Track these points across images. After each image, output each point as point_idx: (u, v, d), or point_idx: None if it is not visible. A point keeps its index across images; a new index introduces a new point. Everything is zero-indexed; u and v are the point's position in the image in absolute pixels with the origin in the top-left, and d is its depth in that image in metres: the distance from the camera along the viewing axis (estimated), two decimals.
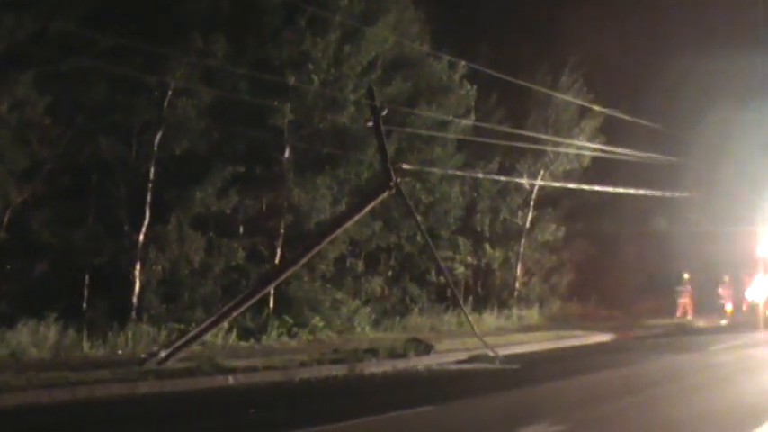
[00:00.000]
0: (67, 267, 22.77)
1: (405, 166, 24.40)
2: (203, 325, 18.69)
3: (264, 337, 23.96)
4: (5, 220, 20.91)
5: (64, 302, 21.83)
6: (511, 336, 26.87)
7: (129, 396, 14.86)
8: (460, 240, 31.74)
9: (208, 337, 22.54)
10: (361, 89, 26.19)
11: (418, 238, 30.50)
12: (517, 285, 34.33)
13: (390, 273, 30.89)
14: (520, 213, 34.34)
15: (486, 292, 33.83)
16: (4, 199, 20.95)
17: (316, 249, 21.92)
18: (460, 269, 31.47)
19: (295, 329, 25.05)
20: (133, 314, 23.12)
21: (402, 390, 17.00)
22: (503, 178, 31.42)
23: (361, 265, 29.40)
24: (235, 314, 19.42)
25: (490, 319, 31.19)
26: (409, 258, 31.03)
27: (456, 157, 30.33)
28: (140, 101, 23.29)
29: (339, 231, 21.61)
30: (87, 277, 23.19)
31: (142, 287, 23.59)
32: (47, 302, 21.41)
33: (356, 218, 21.82)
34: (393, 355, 20.46)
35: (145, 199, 23.58)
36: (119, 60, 22.07)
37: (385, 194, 21.66)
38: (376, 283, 29.37)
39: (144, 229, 23.52)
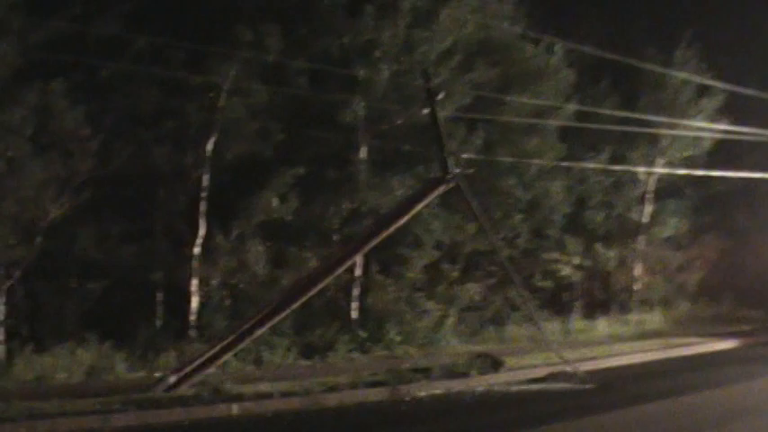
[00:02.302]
0: (117, 285, 21.45)
1: (464, 155, 21.83)
2: (218, 346, 16.79)
3: (331, 354, 21.90)
4: (40, 237, 19.65)
5: (112, 322, 20.64)
6: (614, 345, 23.82)
7: (100, 429, 13.12)
8: (568, 240, 28.69)
9: (267, 355, 20.99)
10: (436, 78, 23.81)
11: (519, 240, 27.91)
12: (636, 287, 30.87)
13: (492, 279, 28.19)
14: (636, 208, 30.84)
15: (602, 295, 30.57)
16: (44, 213, 19.74)
17: (357, 255, 19.62)
18: (565, 271, 28.40)
19: (368, 344, 22.87)
20: (192, 333, 21.70)
21: (432, 420, 14.53)
22: (613, 167, 28.16)
23: (456, 272, 26.88)
24: (260, 332, 17.40)
25: (603, 325, 28.02)
26: (511, 262, 28.24)
27: (558, 147, 27.31)
28: (189, 104, 21.74)
29: (385, 234, 19.19)
30: (140, 295, 21.83)
31: (200, 303, 22.08)
32: (93, 322, 20.32)
33: (406, 217, 19.37)
34: (451, 374, 17.96)
35: (199, 209, 22.05)
36: (162, 63, 20.79)
37: (441, 188, 19.19)
38: (473, 291, 26.76)
39: (200, 241, 21.98)
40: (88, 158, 20.14)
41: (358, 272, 24.73)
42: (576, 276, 29.08)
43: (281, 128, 22.89)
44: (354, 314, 24.16)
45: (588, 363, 19.56)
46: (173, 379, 15.63)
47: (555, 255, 28.14)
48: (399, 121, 24.61)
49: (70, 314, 20.51)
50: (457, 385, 17.48)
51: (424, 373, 17.77)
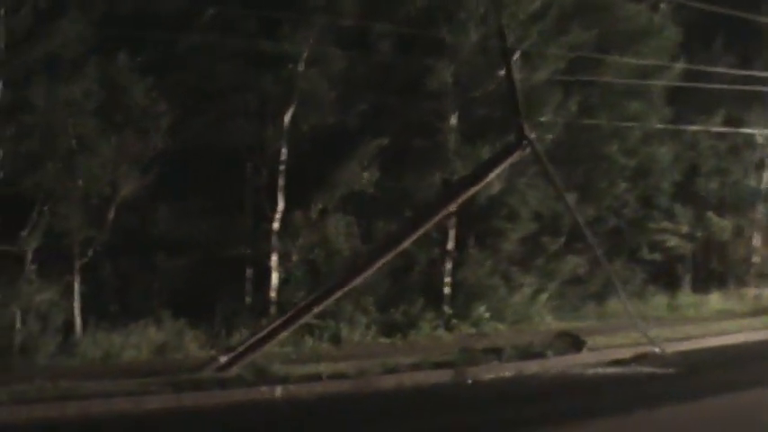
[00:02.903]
0: (198, 261, 21.15)
1: (543, 119, 20.40)
2: (271, 326, 16.11)
3: (414, 332, 21.01)
4: (113, 214, 19.48)
5: (191, 300, 20.36)
6: (722, 323, 22.03)
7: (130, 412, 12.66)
8: (678, 209, 26.75)
9: (346, 333, 20.32)
10: (526, 40, 22.49)
11: (626, 210, 26.24)
12: (754, 259, 28.57)
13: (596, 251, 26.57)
14: (754, 174, 28.49)
15: (716, 268, 28.43)
16: (116, 190, 19.55)
17: (420, 231, 18.49)
18: (673, 242, 26.51)
19: (455, 322, 21.85)
20: (273, 309, 21.20)
21: (487, 407, 13.45)
22: (727, 130, 26.02)
23: (557, 245, 25.47)
24: (316, 310, 16.59)
25: (715, 300, 26.09)
26: (617, 234, 26.65)
27: (663, 111, 25.42)
28: (265, 75, 21.10)
29: (451, 206, 18.03)
30: (220, 272, 21.43)
31: (281, 279, 21.55)
32: (171, 300, 20.11)
33: (479, 186, 18.16)
34: (526, 354, 16.78)
35: (277, 183, 21.47)
36: (235, 33, 20.28)
37: (516, 155, 17.91)
38: (573, 264, 25.28)
39: (279, 216, 21.42)
40: (161, 134, 19.83)
41: (450, 245, 23.76)
42: (687, 248, 27.13)
43: (364, 97, 22.04)
44: (447, 290, 23.22)
45: (685, 342, 18.07)
46: (224, 359, 15.07)
47: (663, 224, 26.24)
48: (490, 87, 23.35)
49: (148, 292, 20.31)
50: (530, 367, 16.34)
51: (497, 353, 16.62)
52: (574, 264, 25.58)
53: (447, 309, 21.83)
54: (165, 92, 19.79)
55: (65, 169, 18.55)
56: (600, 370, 16.37)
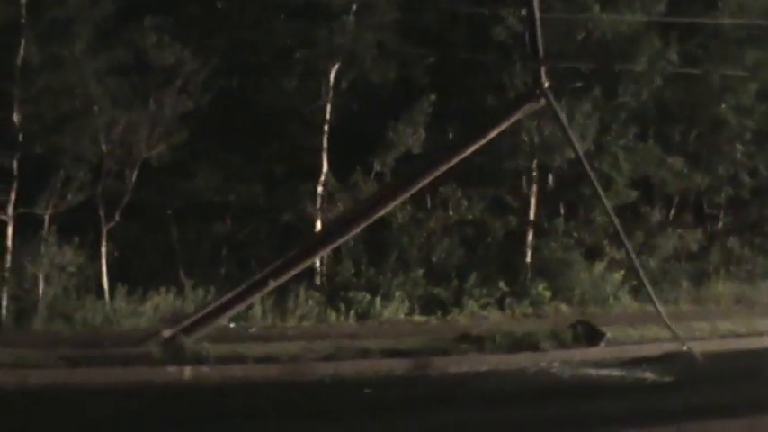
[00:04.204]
0: (242, 227, 20.35)
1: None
2: (223, 299, 14.82)
3: (457, 310, 19.17)
4: (134, 177, 18.89)
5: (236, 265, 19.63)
6: None
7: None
8: None
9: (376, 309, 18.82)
10: None
11: (743, 177, 22.78)
12: None
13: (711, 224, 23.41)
14: None
15: None
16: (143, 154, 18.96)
17: (403, 196, 16.37)
18: None
19: (509, 300, 19.77)
20: (318, 280, 20.07)
21: (405, 411, 11.52)
22: None
23: (658, 215, 22.61)
24: (275, 284, 15.11)
25: None
26: (735, 206, 23.25)
27: None
28: (309, 29, 19.80)
29: (443, 167, 15.81)
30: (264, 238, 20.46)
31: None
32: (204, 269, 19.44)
33: (476, 145, 15.84)
34: (519, 345, 14.61)
35: (321, 144, 20.20)
36: None
37: (528, 106, 15.54)
38: (675, 238, 22.30)
39: (323, 179, 20.17)
40: (196, 94, 19.08)
41: (532, 215, 21.63)
42: None
43: (423, 51, 20.31)
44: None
45: (734, 341, 15.03)
46: (167, 333, 14.09)
47: None
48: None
49: (175, 258, 19.69)
50: (515, 361, 14.14)
51: (478, 342, 14.55)
52: (679, 238, 22.54)
53: (503, 285, 19.63)
54: (202, 50, 18.97)
55: (84, 131, 18.08)
56: (598, 370, 13.79)
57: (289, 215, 20.11)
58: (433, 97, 19.74)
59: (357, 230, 15.57)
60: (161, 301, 17.60)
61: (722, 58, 21.46)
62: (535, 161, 21.32)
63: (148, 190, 18.80)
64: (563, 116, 15.60)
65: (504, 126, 15.71)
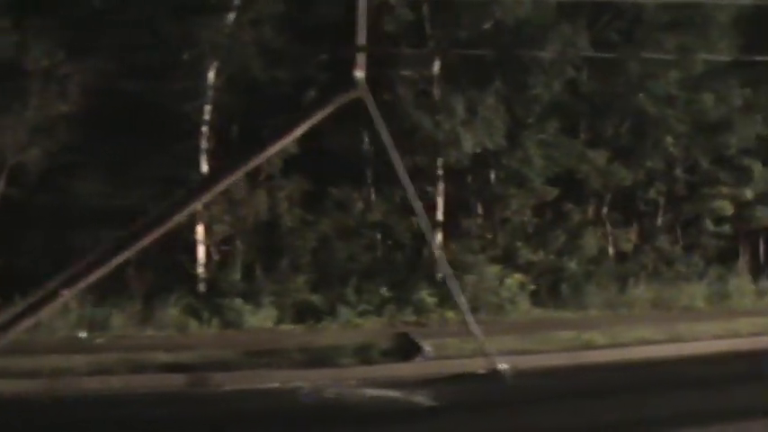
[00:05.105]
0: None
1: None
2: (11, 312, 14.00)
3: (330, 319, 18.14)
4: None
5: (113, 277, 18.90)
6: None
7: None
8: (759, 170, 20.98)
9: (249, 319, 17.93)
10: None
11: (677, 172, 21.06)
12: None
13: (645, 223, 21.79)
14: None
15: None
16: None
17: (201, 199, 15.17)
18: (728, 210, 20.87)
19: (390, 307, 18.62)
20: (201, 287, 19.30)
21: None
22: None
23: (580, 213, 21.16)
24: (68, 294, 14.17)
25: None
26: (672, 203, 21.56)
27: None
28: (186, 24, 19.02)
29: (245, 169, 14.59)
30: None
31: (208, 255, 19.54)
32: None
33: (276, 147, 14.60)
34: (316, 362, 13.51)
35: (200, 145, 19.41)
36: None
37: (340, 97, 14.16)
38: (598, 237, 20.80)
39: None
40: (71, 97, 18.57)
41: (439, 215, 20.45)
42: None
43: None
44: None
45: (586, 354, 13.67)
46: None
47: (720, 189, 20.68)
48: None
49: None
50: (308, 377, 13.02)
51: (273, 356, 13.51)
52: (606, 237, 21.03)
53: (384, 291, 18.50)
54: (81, 52, 18.46)
55: None
56: (377, 392, 12.40)
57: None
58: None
59: (155, 236, 14.56)
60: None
61: (641, 45, 19.69)
62: (440, 159, 20.06)
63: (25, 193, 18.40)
64: (374, 108, 14.21)
65: (316, 119, 14.46)
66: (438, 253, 14.07)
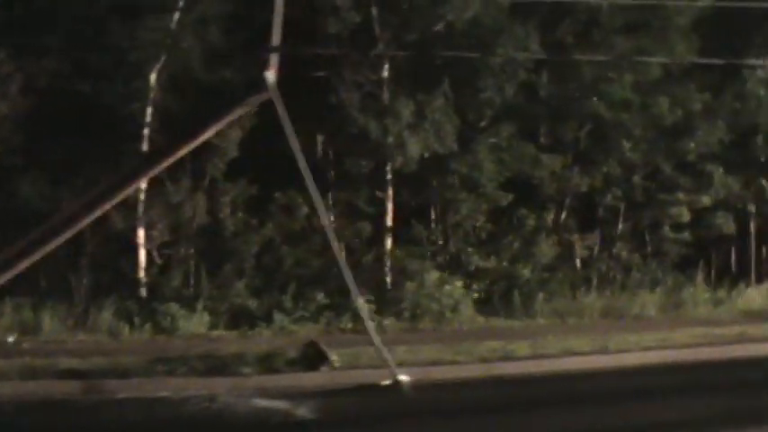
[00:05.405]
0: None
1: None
2: None
3: (265, 325, 17.82)
4: None
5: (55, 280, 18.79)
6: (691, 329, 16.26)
7: None
8: (719, 177, 20.40)
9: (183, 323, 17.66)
10: None
11: (635, 179, 20.55)
12: None
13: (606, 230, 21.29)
14: None
15: None
16: None
17: (113, 200, 14.73)
18: (685, 216, 20.31)
19: (328, 313, 18.26)
20: (143, 291, 19.05)
21: None
22: None
23: (533, 219, 20.73)
24: None
25: (754, 294, 19.69)
26: (632, 209, 21.06)
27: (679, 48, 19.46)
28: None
29: (155, 170, 14.14)
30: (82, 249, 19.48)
31: (149, 259, 19.28)
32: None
33: (185, 150, 14.14)
34: (216, 370, 13.19)
35: (140, 148, 19.16)
36: None
37: (252, 99, 13.73)
38: (552, 243, 20.32)
39: (144, 186, 19.05)
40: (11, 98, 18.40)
41: (389, 221, 20.09)
42: (729, 227, 20.72)
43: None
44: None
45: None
46: None
47: (679, 195, 20.14)
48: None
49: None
50: (207, 386, 12.72)
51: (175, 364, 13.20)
52: (561, 245, 20.57)
53: (322, 298, 18.15)
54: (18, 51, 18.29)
55: None
56: (269, 402, 12.07)
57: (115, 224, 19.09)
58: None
59: (60, 240, 14.23)
60: None
61: (597, 48, 19.20)
62: (390, 164, 19.68)
63: None
64: (283, 110, 13.80)
65: (226, 121, 14.09)
66: (342, 263, 13.62)
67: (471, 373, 13.32)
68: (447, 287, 18.29)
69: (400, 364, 13.16)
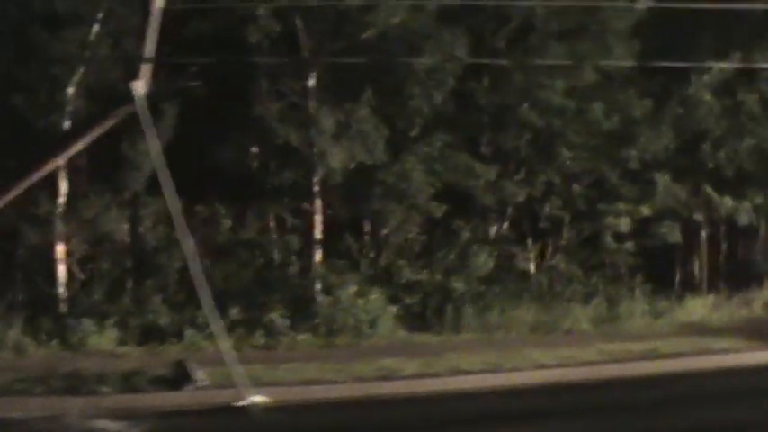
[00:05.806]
0: None
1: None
2: None
3: (176, 341, 17.37)
4: None
5: None
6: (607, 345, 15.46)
7: None
8: (666, 185, 19.56)
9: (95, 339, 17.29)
10: None
11: (575, 188, 19.82)
12: None
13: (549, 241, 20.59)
14: None
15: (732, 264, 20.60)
16: None
17: None
18: (622, 222, 19.50)
19: (241, 330, 17.72)
20: (62, 307, 18.69)
21: None
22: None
23: (468, 231, 20.10)
24: None
25: (697, 306, 18.78)
26: (574, 219, 20.32)
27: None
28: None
29: (26, 183, 13.75)
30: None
31: (70, 274, 18.91)
32: None
33: (68, 153, 13.73)
34: (74, 389, 12.72)
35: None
36: None
37: (121, 110, 13.25)
38: (485, 256, 19.63)
39: (62, 200, 18.75)
40: None
41: (318, 233, 19.56)
42: (675, 236, 19.87)
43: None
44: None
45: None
46: None
47: (619, 205, 19.34)
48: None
49: None
50: (63, 406, 12.31)
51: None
52: (498, 257, 19.88)
53: (236, 313, 17.65)
54: None
55: None
56: (108, 423, 11.62)
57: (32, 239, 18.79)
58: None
59: None
60: None
61: (531, 53, 18.52)
62: (317, 176, 19.16)
63: None
64: (148, 122, 13.35)
65: (96, 133, 13.67)
66: (198, 277, 13.09)
67: (342, 394, 12.71)
68: (361, 301, 17.63)
69: (272, 384, 12.58)
